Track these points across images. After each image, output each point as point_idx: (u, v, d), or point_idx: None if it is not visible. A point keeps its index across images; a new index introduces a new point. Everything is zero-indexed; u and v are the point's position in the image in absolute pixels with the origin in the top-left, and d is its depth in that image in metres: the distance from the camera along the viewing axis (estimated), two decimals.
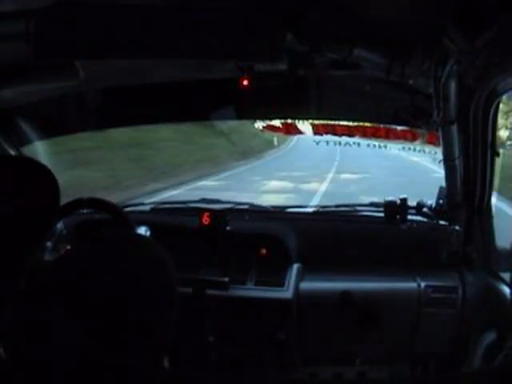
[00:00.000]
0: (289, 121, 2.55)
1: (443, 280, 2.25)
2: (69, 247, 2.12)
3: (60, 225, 2.40)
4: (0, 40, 1.33)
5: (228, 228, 2.38)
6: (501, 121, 1.97)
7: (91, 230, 2.19)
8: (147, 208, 2.68)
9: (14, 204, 0.83)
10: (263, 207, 2.66)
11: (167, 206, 2.75)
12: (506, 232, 2.19)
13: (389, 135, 2.39)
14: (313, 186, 9.73)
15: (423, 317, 2.22)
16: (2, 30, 1.31)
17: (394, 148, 3.90)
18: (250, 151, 13.17)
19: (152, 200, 2.79)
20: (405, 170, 11.09)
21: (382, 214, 2.32)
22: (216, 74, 1.77)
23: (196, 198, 2.67)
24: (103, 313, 0.75)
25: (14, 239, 0.83)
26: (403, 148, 3.42)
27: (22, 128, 2.27)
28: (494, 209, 2.12)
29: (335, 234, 2.48)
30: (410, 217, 2.30)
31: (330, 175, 11.02)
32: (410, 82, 1.64)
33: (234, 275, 2.28)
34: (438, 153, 2.12)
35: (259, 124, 3.07)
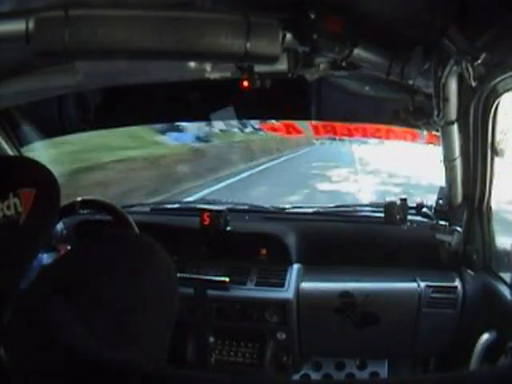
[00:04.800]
0: (289, 121, 2.55)
1: (443, 280, 2.25)
2: (69, 247, 2.12)
3: (60, 225, 2.40)
4: (0, 40, 1.33)
5: (228, 228, 2.38)
6: None
7: (91, 230, 2.18)
8: (147, 208, 2.68)
9: (14, 204, 0.83)
10: (263, 207, 2.66)
11: (167, 206, 2.75)
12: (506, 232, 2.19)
13: (389, 135, 2.39)
14: None
15: (423, 317, 2.22)
16: (1, 29, 1.31)
17: None
18: None
19: (151, 201, 2.79)
20: None
21: (381, 214, 2.32)
22: (216, 74, 1.77)
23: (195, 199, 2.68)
24: (103, 313, 0.75)
25: (15, 241, 0.83)
26: None
27: (22, 128, 2.27)
28: None
29: (335, 234, 2.48)
30: (409, 217, 2.30)
31: None
32: (410, 82, 1.64)
33: (235, 275, 2.29)
34: None
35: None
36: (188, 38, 1.37)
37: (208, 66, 1.69)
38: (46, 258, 2.07)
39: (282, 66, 1.62)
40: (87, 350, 0.66)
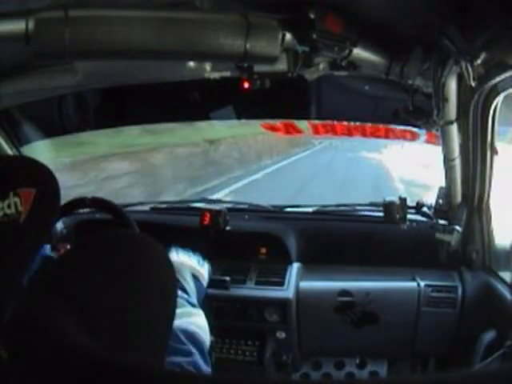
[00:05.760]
0: (288, 121, 2.55)
1: (443, 279, 2.26)
2: (69, 247, 2.12)
3: (60, 224, 2.41)
4: (0, 40, 1.33)
5: (228, 227, 2.38)
6: None
7: (91, 229, 2.18)
8: (147, 208, 2.68)
9: (15, 203, 0.83)
10: (263, 207, 2.66)
11: (167, 205, 2.75)
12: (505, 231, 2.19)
13: (388, 135, 2.39)
14: None
15: (423, 316, 2.22)
16: (1, 29, 1.31)
17: None
18: None
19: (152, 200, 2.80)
20: None
21: (381, 214, 2.33)
22: (216, 74, 1.77)
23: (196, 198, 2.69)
24: (103, 312, 0.75)
25: (15, 240, 0.83)
26: None
27: (22, 128, 2.27)
28: None
29: (335, 234, 2.49)
30: (409, 216, 2.30)
31: None
32: (410, 82, 1.64)
33: (234, 275, 2.29)
34: None
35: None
36: (187, 38, 1.37)
37: (208, 66, 1.69)
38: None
39: (282, 65, 1.62)
40: (87, 350, 0.66)
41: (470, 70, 1.33)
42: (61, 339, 0.68)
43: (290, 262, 2.39)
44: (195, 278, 1.56)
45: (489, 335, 1.89)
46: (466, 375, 0.62)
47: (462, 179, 2.09)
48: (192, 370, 1.09)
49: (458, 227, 2.15)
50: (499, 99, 1.75)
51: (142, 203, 2.75)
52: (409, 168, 10.57)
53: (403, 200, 2.28)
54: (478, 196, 2.08)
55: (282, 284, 2.30)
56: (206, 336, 1.25)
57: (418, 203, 2.35)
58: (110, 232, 0.97)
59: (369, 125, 2.45)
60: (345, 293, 2.25)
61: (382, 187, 8.94)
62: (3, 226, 0.81)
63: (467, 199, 2.12)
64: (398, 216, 2.27)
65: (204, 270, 1.64)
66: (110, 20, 1.34)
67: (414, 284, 2.25)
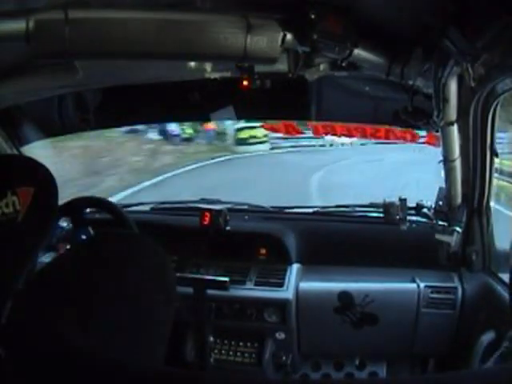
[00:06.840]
0: (288, 121, 2.55)
1: (442, 281, 2.25)
2: (68, 246, 2.12)
3: (60, 225, 2.40)
4: (0, 40, 1.32)
5: (228, 228, 2.38)
6: None
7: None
8: (147, 208, 2.68)
9: (13, 202, 0.83)
10: (263, 207, 2.66)
11: (167, 205, 2.75)
12: (504, 233, 2.19)
13: (388, 136, 2.39)
14: None
15: (422, 317, 2.22)
16: (2, 29, 1.30)
17: None
18: None
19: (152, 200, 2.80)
20: None
21: (381, 215, 2.32)
22: (216, 74, 1.77)
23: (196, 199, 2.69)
24: (103, 312, 0.75)
25: (14, 239, 0.83)
26: None
27: (22, 128, 2.27)
28: None
29: (335, 234, 2.48)
30: (409, 217, 2.30)
31: None
32: (410, 82, 1.64)
33: (234, 275, 2.29)
34: None
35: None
36: (188, 38, 1.37)
37: (208, 66, 1.69)
38: (45, 258, 2.07)
39: (283, 66, 1.62)
40: (87, 350, 0.66)
41: (470, 70, 1.32)
42: (60, 339, 0.68)
43: (290, 263, 2.38)
44: None
45: (488, 336, 1.89)
46: (464, 376, 0.62)
47: (462, 180, 2.09)
48: None
49: (457, 228, 2.15)
50: (499, 100, 1.75)
51: (142, 203, 2.75)
52: None
53: (403, 201, 2.27)
54: (477, 197, 2.08)
55: (281, 285, 2.30)
56: None
57: (417, 204, 2.34)
58: (109, 232, 0.97)
59: (369, 125, 2.45)
60: (344, 294, 2.25)
61: None
62: (1, 225, 0.81)
63: (467, 200, 2.12)
64: (397, 217, 2.26)
65: None
66: (111, 20, 1.34)
67: (413, 285, 2.25)
